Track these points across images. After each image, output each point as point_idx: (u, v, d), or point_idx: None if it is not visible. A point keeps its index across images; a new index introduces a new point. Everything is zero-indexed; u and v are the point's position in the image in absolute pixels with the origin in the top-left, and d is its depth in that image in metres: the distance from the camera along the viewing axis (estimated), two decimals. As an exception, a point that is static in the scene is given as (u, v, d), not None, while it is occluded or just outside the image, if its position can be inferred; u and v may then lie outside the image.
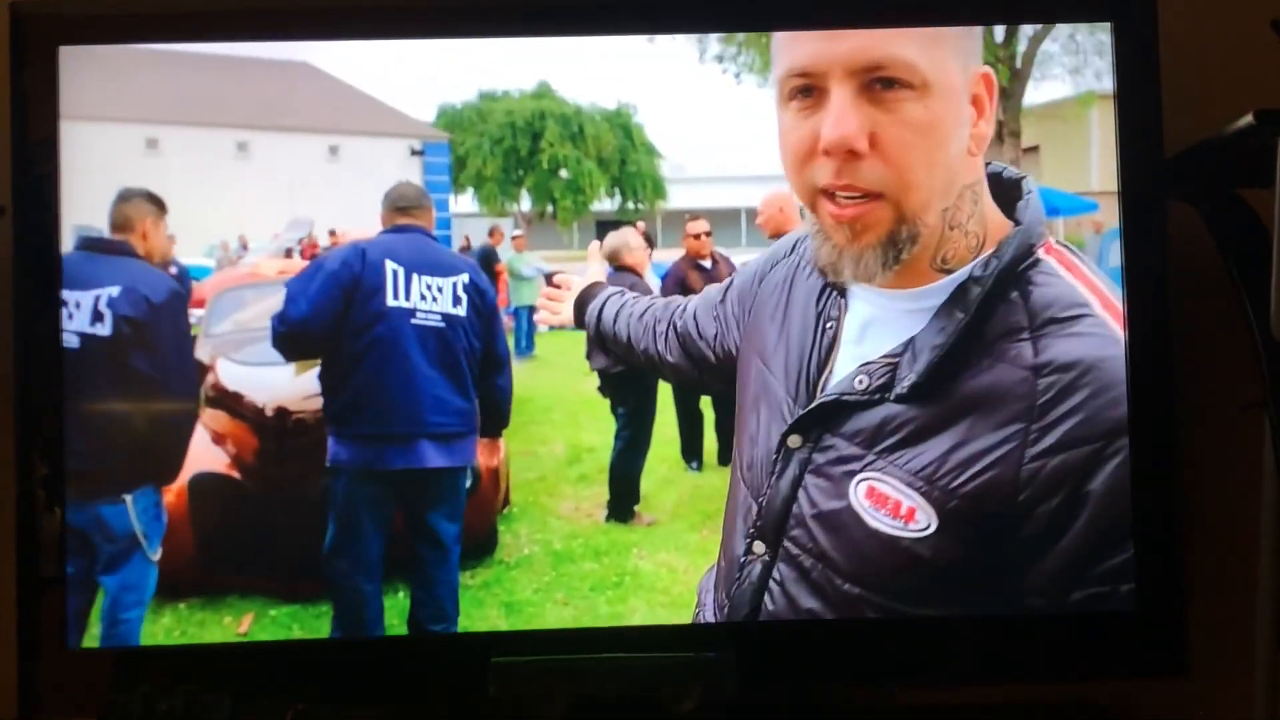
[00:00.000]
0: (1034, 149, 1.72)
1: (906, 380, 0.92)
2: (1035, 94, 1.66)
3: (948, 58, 0.93)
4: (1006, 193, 1.05)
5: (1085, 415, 0.83)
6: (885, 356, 0.95)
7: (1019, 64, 1.65)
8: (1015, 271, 0.90)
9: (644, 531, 1.75)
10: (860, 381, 0.96)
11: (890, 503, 0.90)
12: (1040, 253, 0.91)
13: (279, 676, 1.52)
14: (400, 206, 1.70)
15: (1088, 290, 0.89)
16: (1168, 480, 1.47)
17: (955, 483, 0.87)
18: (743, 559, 1.09)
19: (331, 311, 1.62)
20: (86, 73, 1.57)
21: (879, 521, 0.92)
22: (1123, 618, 1.37)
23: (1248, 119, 1.35)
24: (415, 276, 1.64)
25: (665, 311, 1.49)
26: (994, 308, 0.88)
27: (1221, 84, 1.64)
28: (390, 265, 1.64)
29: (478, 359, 1.69)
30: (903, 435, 0.92)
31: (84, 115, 1.58)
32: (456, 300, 1.67)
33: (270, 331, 1.64)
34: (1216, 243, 1.53)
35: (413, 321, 1.64)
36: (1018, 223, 0.93)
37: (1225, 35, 1.70)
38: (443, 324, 1.66)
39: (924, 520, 0.89)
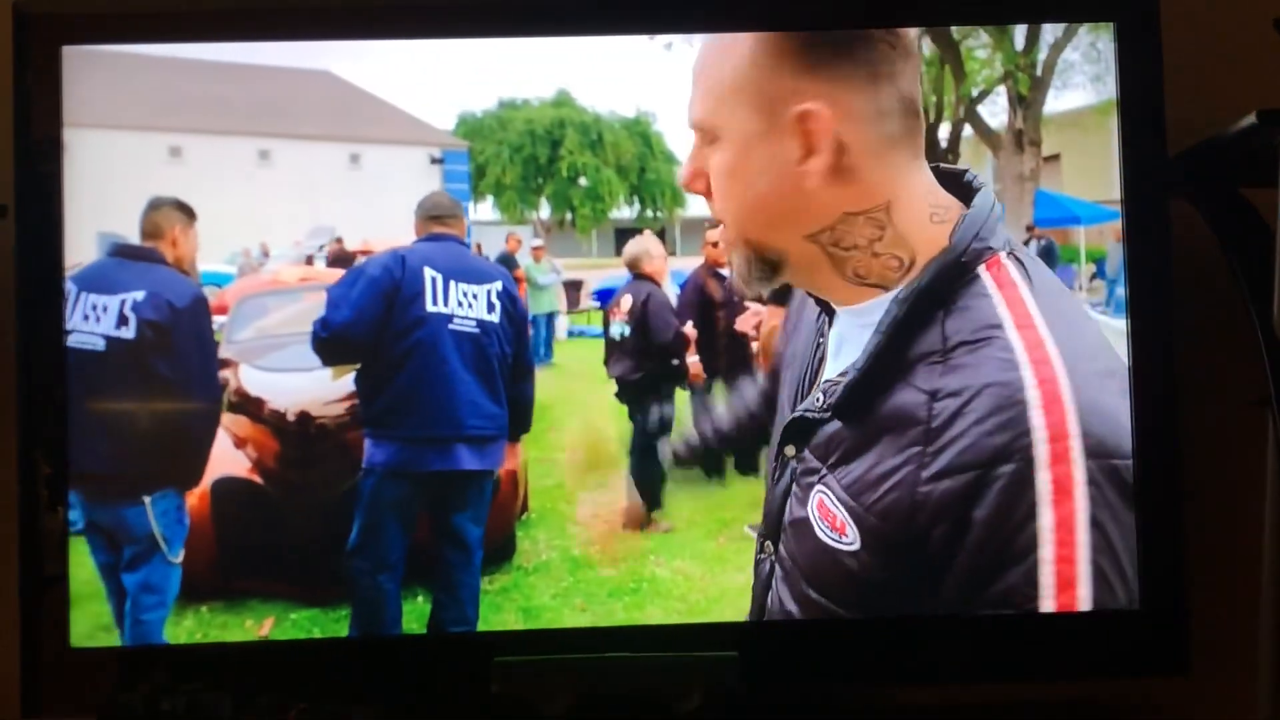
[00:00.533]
0: (1055, 157, 1.74)
1: (838, 400, 0.96)
2: (1056, 102, 1.69)
3: (743, 107, 0.97)
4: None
5: (969, 441, 0.83)
6: (839, 375, 0.99)
7: (1039, 72, 1.67)
8: (944, 292, 0.90)
9: (661, 538, 1.78)
10: (817, 400, 0.99)
11: (830, 515, 0.93)
12: (980, 269, 0.90)
13: (282, 676, 1.53)
14: (435, 215, 1.76)
15: (1007, 309, 0.87)
16: (1171, 478, 1.49)
17: (869, 501, 0.89)
18: (758, 556, 1.14)
19: (373, 316, 1.68)
20: (110, 81, 1.60)
21: (823, 533, 0.95)
22: (1125, 617, 1.37)
23: (1250, 118, 1.37)
24: (453, 283, 1.70)
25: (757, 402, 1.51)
26: (914, 331, 0.89)
27: (1224, 83, 1.66)
28: (429, 272, 1.70)
29: (509, 365, 1.74)
30: (841, 452, 0.94)
31: (108, 123, 1.62)
32: (491, 307, 1.72)
33: (311, 336, 1.69)
34: (1219, 241, 1.55)
35: (450, 327, 1.70)
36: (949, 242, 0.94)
37: (1228, 35, 1.72)
38: (478, 330, 1.71)
39: (851, 535, 0.91)
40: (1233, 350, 1.58)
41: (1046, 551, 0.82)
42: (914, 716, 1.68)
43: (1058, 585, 0.82)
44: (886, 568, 0.89)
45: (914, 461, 0.85)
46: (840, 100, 0.92)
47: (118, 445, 1.57)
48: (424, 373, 1.68)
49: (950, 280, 0.89)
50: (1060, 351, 0.84)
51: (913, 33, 1.04)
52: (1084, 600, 0.82)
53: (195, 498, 1.66)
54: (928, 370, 0.87)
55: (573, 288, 2.17)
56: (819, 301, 1.09)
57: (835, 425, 0.94)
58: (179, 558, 1.63)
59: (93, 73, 1.59)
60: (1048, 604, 0.82)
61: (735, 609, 1.63)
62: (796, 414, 0.99)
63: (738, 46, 1.05)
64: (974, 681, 1.60)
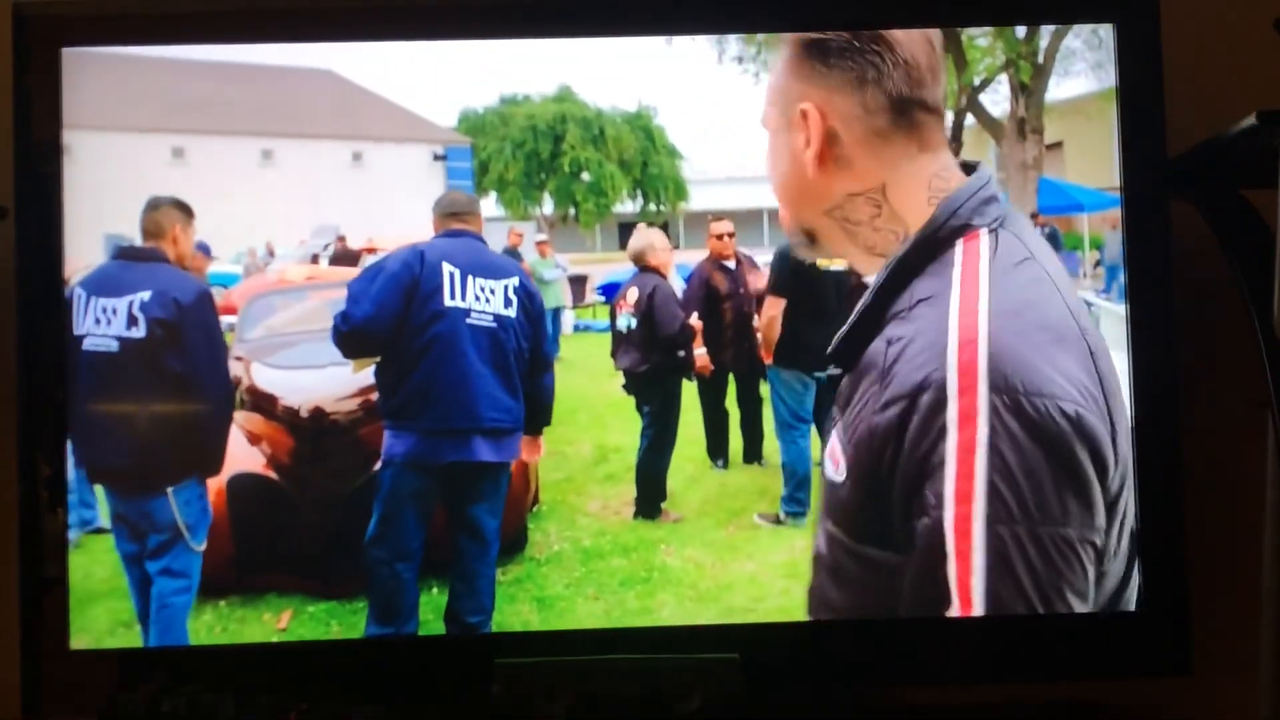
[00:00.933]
0: (1058, 145, 1.79)
1: (833, 349, 1.15)
2: (1058, 90, 1.73)
3: (774, 106, 1.17)
4: None
5: (903, 376, 0.99)
6: None
7: (1041, 60, 1.72)
8: (919, 261, 1.07)
9: (671, 528, 1.85)
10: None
11: (834, 454, 1.10)
12: (958, 243, 1.05)
13: (283, 676, 1.57)
14: (452, 212, 1.82)
15: (960, 273, 1.03)
16: (1172, 479, 1.53)
17: (851, 434, 1.05)
18: None
19: (393, 311, 1.74)
20: (112, 83, 1.65)
21: (828, 468, 1.12)
22: (1128, 618, 1.41)
23: (1250, 119, 1.40)
24: (470, 278, 1.77)
25: None
26: (893, 292, 1.06)
27: (1224, 84, 1.69)
28: (447, 267, 1.76)
29: (525, 359, 1.80)
30: (845, 397, 1.12)
31: (111, 125, 1.67)
32: (508, 302, 1.79)
33: (333, 330, 1.75)
34: (1220, 242, 1.57)
35: (468, 321, 1.76)
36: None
37: (1227, 36, 1.74)
38: (494, 325, 1.77)
39: (843, 469, 1.07)
40: (1233, 351, 1.61)
41: (950, 468, 0.97)
42: (918, 716, 1.71)
43: (956, 498, 0.96)
44: (860, 493, 1.04)
45: (874, 397, 1.02)
46: (831, 101, 1.10)
47: (138, 440, 1.64)
48: (442, 366, 1.74)
49: (926, 251, 1.05)
50: (989, 305, 1.00)
51: (916, 41, 1.15)
52: (979, 513, 0.96)
53: (212, 494, 1.72)
54: (895, 323, 1.04)
55: (577, 282, 2.24)
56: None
57: (846, 378, 1.11)
58: (202, 546, 1.70)
59: (93, 74, 1.63)
60: (948, 514, 0.96)
61: (745, 596, 1.71)
62: (826, 374, 1.12)
63: (777, 59, 1.21)
64: (975, 682, 1.64)
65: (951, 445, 0.97)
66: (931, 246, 1.05)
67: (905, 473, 0.99)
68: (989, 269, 1.02)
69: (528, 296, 1.82)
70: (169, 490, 1.69)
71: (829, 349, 1.10)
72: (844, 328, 1.09)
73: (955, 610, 1.02)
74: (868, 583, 1.08)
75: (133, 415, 1.63)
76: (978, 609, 1.01)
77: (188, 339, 1.69)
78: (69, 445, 1.58)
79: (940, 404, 0.98)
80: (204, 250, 1.82)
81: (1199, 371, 1.65)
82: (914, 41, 1.12)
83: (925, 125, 1.11)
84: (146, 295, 1.68)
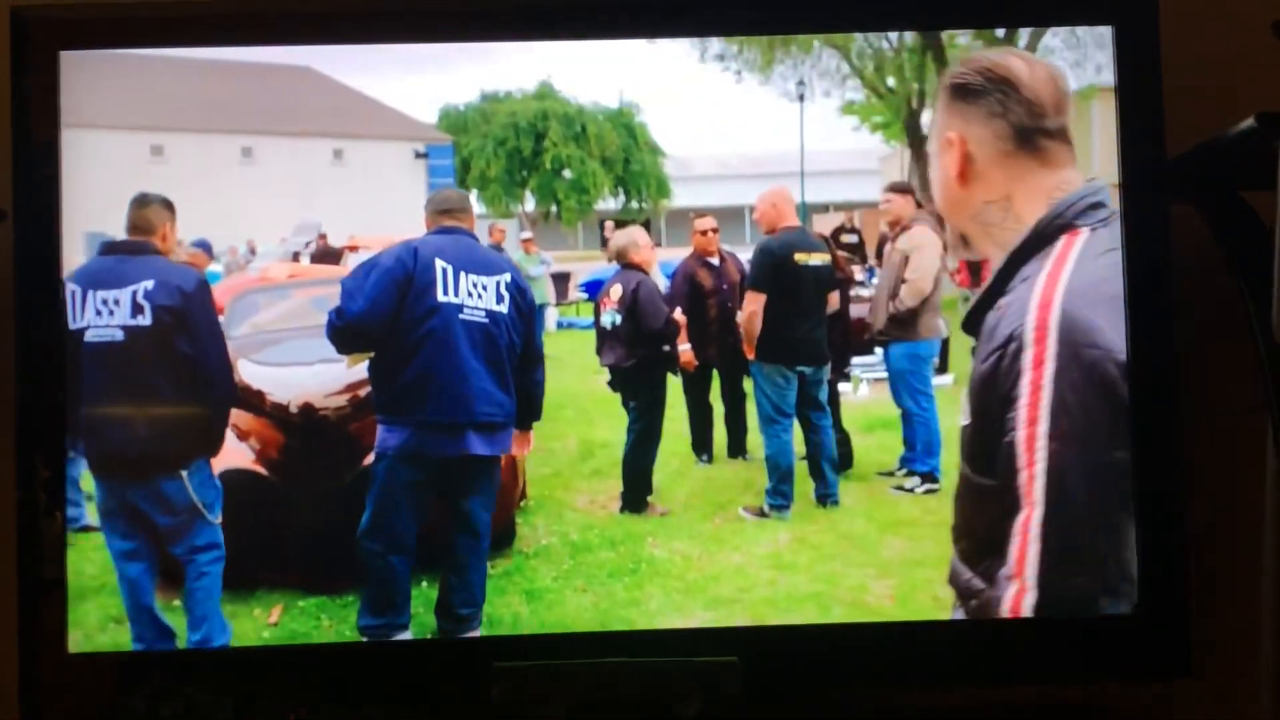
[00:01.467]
0: None
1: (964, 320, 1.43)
2: None
3: (934, 135, 1.42)
4: None
5: (998, 333, 1.26)
6: None
7: None
8: (1028, 252, 1.32)
9: (657, 521, 1.92)
10: None
11: (963, 402, 1.37)
12: (1061, 238, 1.31)
13: (282, 679, 1.59)
14: (445, 209, 1.87)
15: (1054, 260, 1.29)
16: (1171, 483, 1.57)
17: (970, 384, 1.34)
18: None
19: (387, 306, 1.79)
20: (92, 80, 1.69)
21: (961, 416, 1.37)
22: (1127, 620, 1.46)
23: (1249, 121, 1.44)
24: (463, 274, 1.81)
25: None
26: (1006, 276, 1.32)
27: (1223, 87, 1.70)
28: (440, 263, 1.80)
29: (517, 354, 1.86)
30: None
31: (90, 123, 1.70)
32: (500, 298, 1.84)
33: (327, 325, 1.79)
34: (1219, 245, 1.61)
35: (461, 317, 1.81)
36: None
37: (1227, 37, 1.76)
38: (487, 320, 1.83)
39: (967, 413, 1.34)
40: (1233, 353, 1.64)
41: (1024, 399, 1.23)
42: (919, 717, 1.73)
43: (1027, 420, 1.22)
44: (972, 431, 1.30)
45: (982, 352, 1.29)
46: (969, 130, 1.36)
47: (151, 424, 1.70)
48: (436, 361, 1.79)
49: (1035, 244, 1.31)
50: (1069, 280, 1.26)
51: (1040, 81, 1.34)
52: (1042, 432, 1.22)
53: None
54: (1004, 297, 1.30)
55: (560, 280, 2.31)
56: None
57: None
58: (219, 519, 1.75)
59: (72, 73, 1.67)
60: (1021, 434, 1.23)
61: (732, 587, 1.77)
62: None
63: (937, 100, 1.46)
64: (978, 684, 1.67)
65: (1026, 382, 1.23)
66: (1040, 240, 1.30)
67: (996, 407, 1.25)
68: (1077, 256, 1.28)
69: (519, 292, 1.87)
70: (183, 473, 1.75)
71: (962, 321, 1.37)
72: (972, 302, 1.36)
73: (1024, 516, 1.22)
74: (978, 508, 1.30)
75: (145, 400, 1.69)
76: (1039, 513, 1.21)
77: (194, 323, 1.75)
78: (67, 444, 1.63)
79: (1019, 351, 1.24)
80: (205, 248, 1.88)
81: (1199, 372, 1.68)
82: (1038, 81, 1.35)
83: (1047, 149, 1.34)
84: (150, 284, 1.73)
